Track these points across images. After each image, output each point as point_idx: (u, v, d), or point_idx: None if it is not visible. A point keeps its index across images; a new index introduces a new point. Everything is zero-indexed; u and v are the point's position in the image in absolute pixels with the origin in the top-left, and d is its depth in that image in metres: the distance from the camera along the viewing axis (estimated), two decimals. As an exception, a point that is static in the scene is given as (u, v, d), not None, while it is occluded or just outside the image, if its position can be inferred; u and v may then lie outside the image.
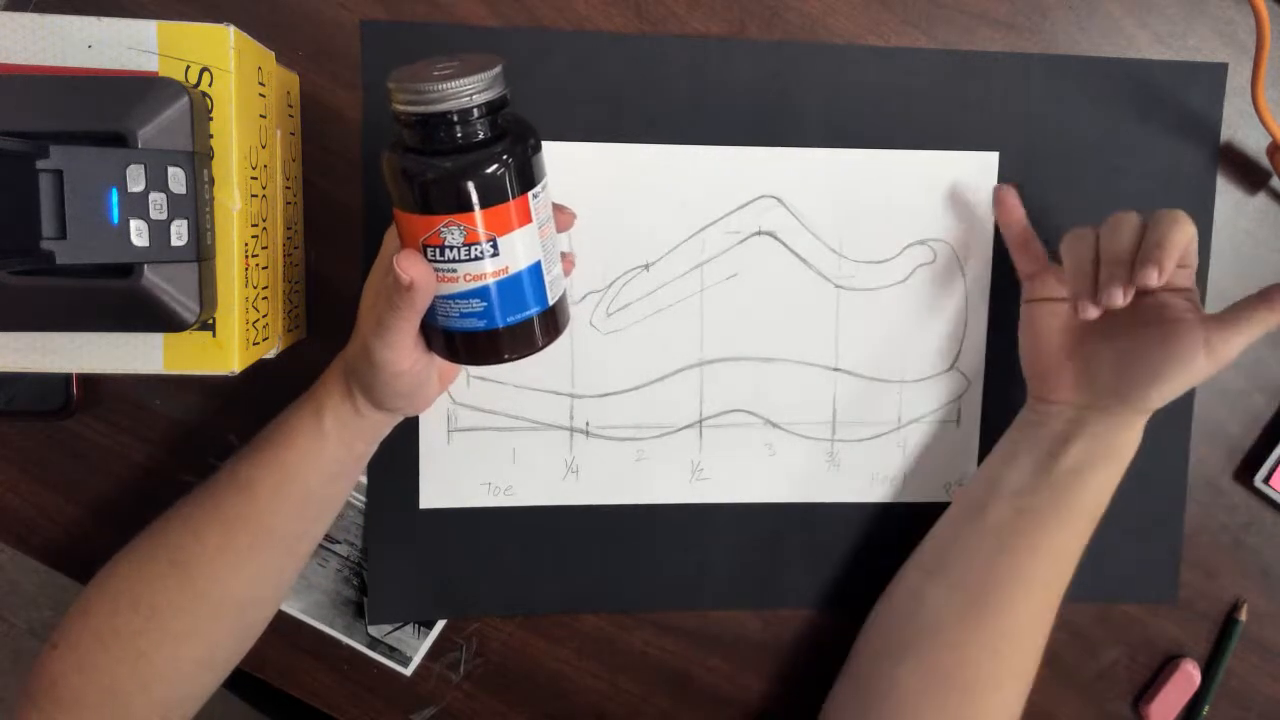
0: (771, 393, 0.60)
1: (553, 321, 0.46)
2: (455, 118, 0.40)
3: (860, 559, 0.62)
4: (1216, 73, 0.60)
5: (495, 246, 0.42)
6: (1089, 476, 0.53)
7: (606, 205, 0.57)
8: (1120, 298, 0.48)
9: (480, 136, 0.41)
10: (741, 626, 0.62)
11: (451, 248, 0.42)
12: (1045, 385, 0.56)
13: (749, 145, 0.58)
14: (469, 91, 0.40)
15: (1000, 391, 0.61)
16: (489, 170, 0.41)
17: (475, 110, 0.40)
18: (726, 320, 0.59)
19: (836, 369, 0.60)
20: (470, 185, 0.41)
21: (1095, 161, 0.60)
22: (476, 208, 0.41)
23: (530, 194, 0.42)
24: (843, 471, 0.61)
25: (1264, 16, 0.55)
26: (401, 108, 0.40)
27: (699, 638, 0.62)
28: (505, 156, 0.41)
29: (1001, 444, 0.57)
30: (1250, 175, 0.62)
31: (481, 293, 0.43)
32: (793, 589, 0.62)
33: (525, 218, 0.42)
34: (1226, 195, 0.62)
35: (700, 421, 0.60)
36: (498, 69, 0.41)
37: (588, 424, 0.59)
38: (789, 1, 0.58)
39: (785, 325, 0.60)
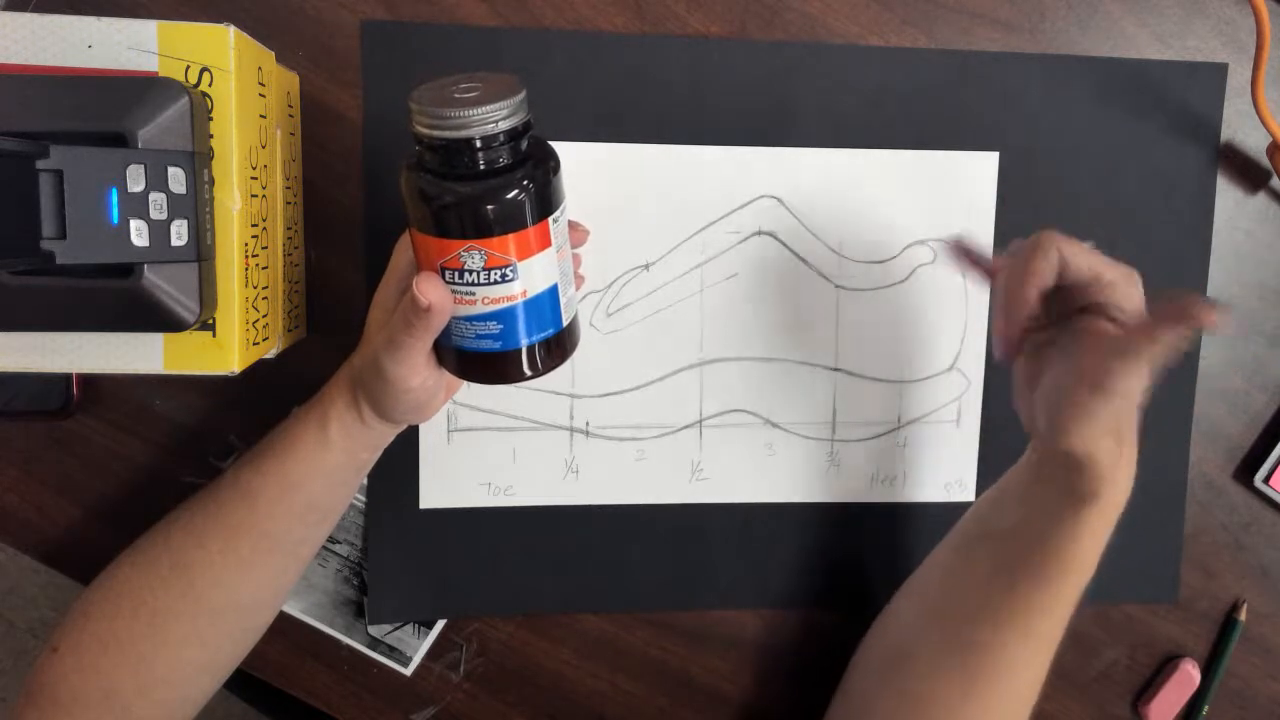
0: (771, 393, 0.60)
1: (566, 342, 0.46)
2: (479, 144, 0.39)
3: (860, 559, 0.62)
4: (1216, 73, 0.60)
5: (515, 271, 0.42)
6: (1066, 523, 0.48)
7: (606, 205, 0.57)
8: (998, 355, 0.47)
9: (503, 162, 0.40)
10: (741, 626, 0.62)
11: (471, 271, 0.41)
12: (1032, 425, 0.49)
13: (749, 145, 0.58)
14: (495, 118, 0.39)
15: (1000, 391, 0.61)
16: (511, 196, 0.40)
17: (500, 136, 0.39)
18: (726, 320, 0.59)
19: (836, 369, 0.60)
20: (492, 211, 0.40)
21: (1095, 161, 0.60)
22: (497, 234, 0.41)
23: (550, 218, 0.42)
24: (843, 471, 0.61)
25: (1264, 16, 0.55)
26: (424, 131, 0.39)
27: (699, 638, 0.62)
28: (527, 183, 0.41)
29: (999, 481, 0.53)
30: (1250, 175, 0.62)
31: (499, 315, 0.43)
32: (793, 589, 0.62)
33: (545, 242, 0.42)
34: (1226, 195, 0.62)
35: (700, 421, 0.60)
36: (522, 94, 0.40)
37: (588, 424, 0.59)
38: (789, 1, 0.58)
39: (785, 325, 0.60)
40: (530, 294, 0.43)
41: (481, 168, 0.40)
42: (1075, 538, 0.47)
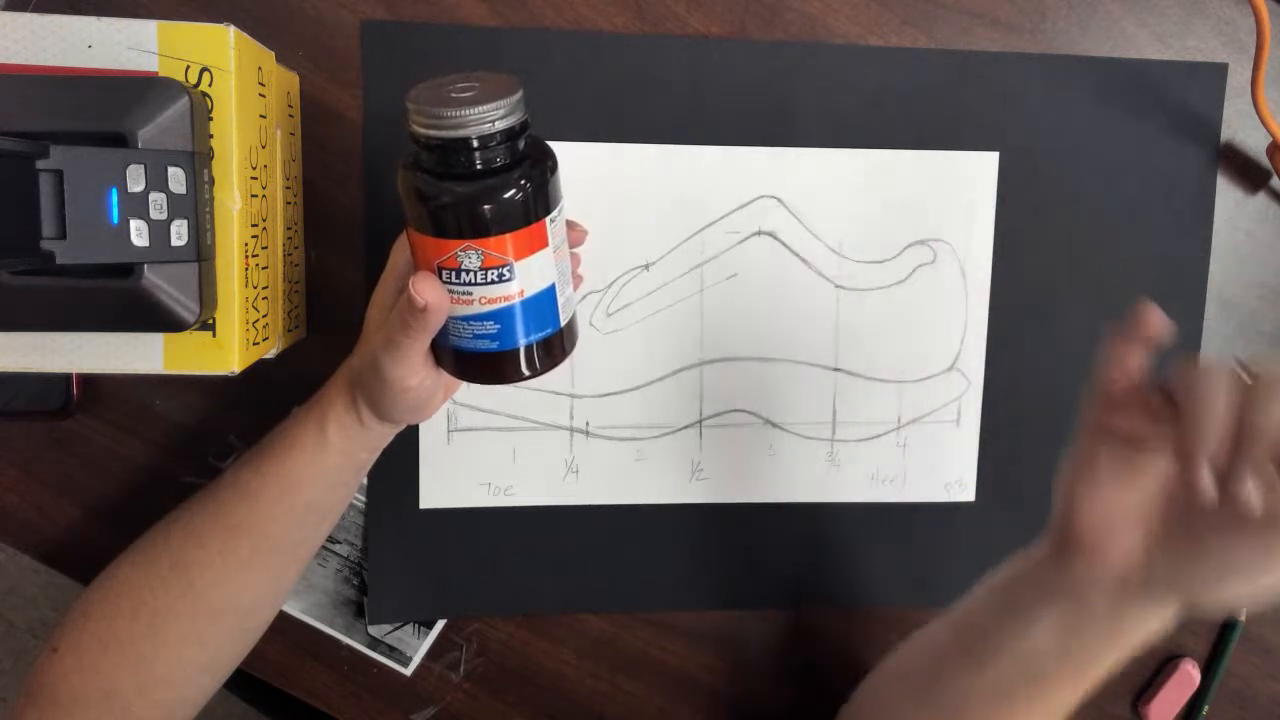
0: (771, 393, 0.60)
1: (564, 342, 0.46)
2: (476, 143, 0.39)
3: (860, 559, 0.62)
4: (1216, 73, 0.60)
5: (512, 271, 0.42)
6: (1118, 651, 0.42)
7: (606, 205, 0.57)
8: (1258, 504, 0.34)
9: (500, 162, 0.40)
10: (742, 627, 0.62)
11: (468, 271, 0.41)
12: (1082, 545, 0.41)
13: (749, 145, 0.58)
14: (491, 118, 0.39)
15: (1000, 391, 0.61)
16: (508, 196, 0.40)
17: (497, 136, 0.39)
18: (726, 320, 0.59)
19: (836, 369, 0.60)
20: (489, 211, 0.40)
21: (1095, 161, 0.60)
22: (494, 233, 0.41)
23: (548, 218, 0.42)
24: (843, 471, 0.61)
25: (1264, 16, 0.55)
26: (421, 130, 0.39)
27: (699, 638, 0.62)
28: (524, 182, 0.40)
29: (1009, 587, 0.45)
30: (1250, 175, 0.62)
31: (495, 315, 0.43)
32: (793, 589, 0.62)
33: (542, 242, 0.42)
34: (1226, 195, 0.62)
35: (700, 421, 0.60)
36: (519, 94, 0.40)
37: (588, 424, 0.59)
38: (789, 1, 0.58)
39: (785, 325, 0.60)
40: (527, 294, 0.42)
41: (478, 167, 0.40)
42: (1130, 651, 0.42)
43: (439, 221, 0.41)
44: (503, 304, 0.42)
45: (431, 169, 0.40)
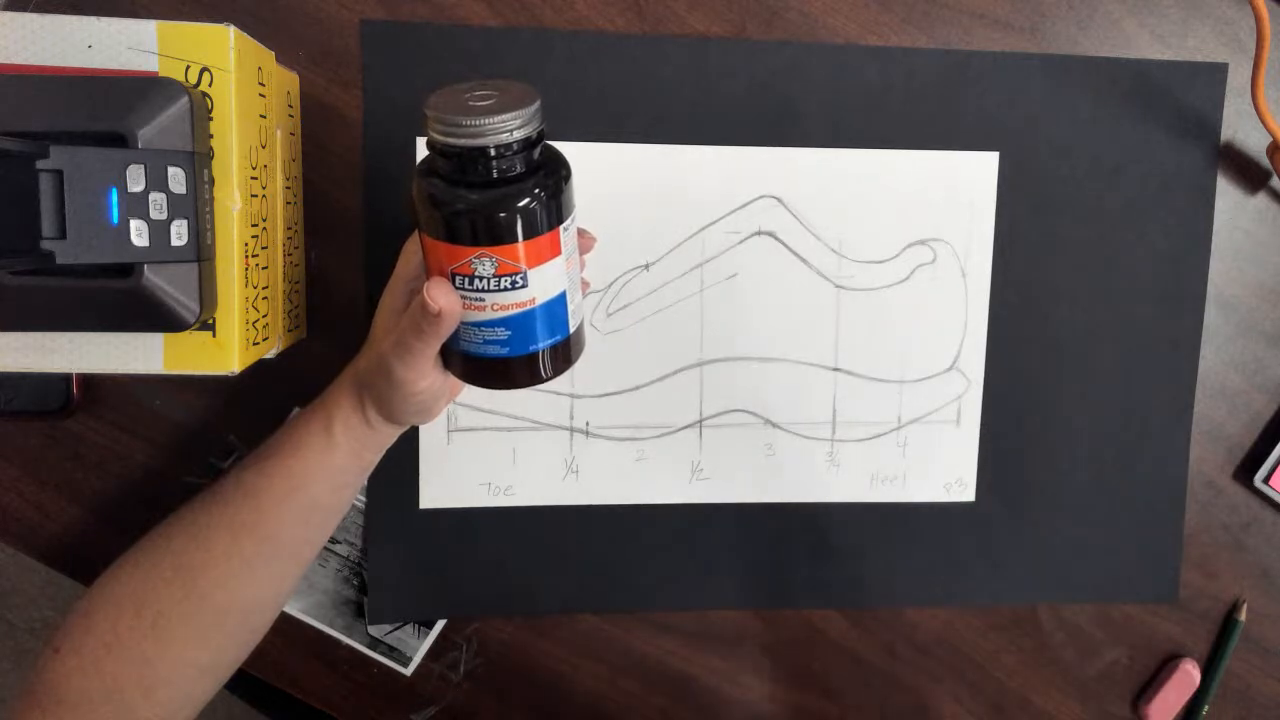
0: (771, 393, 0.60)
1: (572, 348, 0.46)
2: (494, 152, 0.39)
3: (860, 559, 0.62)
4: (1216, 73, 0.60)
5: (525, 279, 0.42)
6: None
7: (606, 205, 0.57)
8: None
9: (517, 170, 0.40)
10: (741, 626, 0.62)
11: (481, 278, 0.41)
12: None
13: (749, 145, 0.58)
14: (510, 127, 0.39)
15: (1000, 391, 0.61)
16: (523, 205, 0.40)
17: (514, 145, 0.40)
18: (726, 320, 0.59)
19: (836, 369, 0.60)
20: (504, 219, 0.40)
21: (1095, 161, 0.60)
22: (509, 242, 0.41)
23: (562, 226, 0.42)
24: (843, 471, 0.61)
25: (1264, 16, 0.55)
26: (439, 138, 0.40)
27: (699, 638, 0.62)
28: (540, 192, 0.41)
29: None
30: (1250, 175, 0.62)
31: (507, 322, 0.43)
32: (793, 589, 0.62)
33: (555, 250, 0.42)
34: (1226, 195, 0.62)
35: (700, 421, 0.60)
36: (537, 103, 0.40)
37: (588, 424, 0.59)
38: (789, 1, 0.58)
39: (785, 325, 0.60)
40: (539, 301, 0.43)
41: (495, 176, 0.40)
42: None
43: (454, 229, 0.41)
44: (515, 311, 0.42)
45: (448, 176, 0.40)
